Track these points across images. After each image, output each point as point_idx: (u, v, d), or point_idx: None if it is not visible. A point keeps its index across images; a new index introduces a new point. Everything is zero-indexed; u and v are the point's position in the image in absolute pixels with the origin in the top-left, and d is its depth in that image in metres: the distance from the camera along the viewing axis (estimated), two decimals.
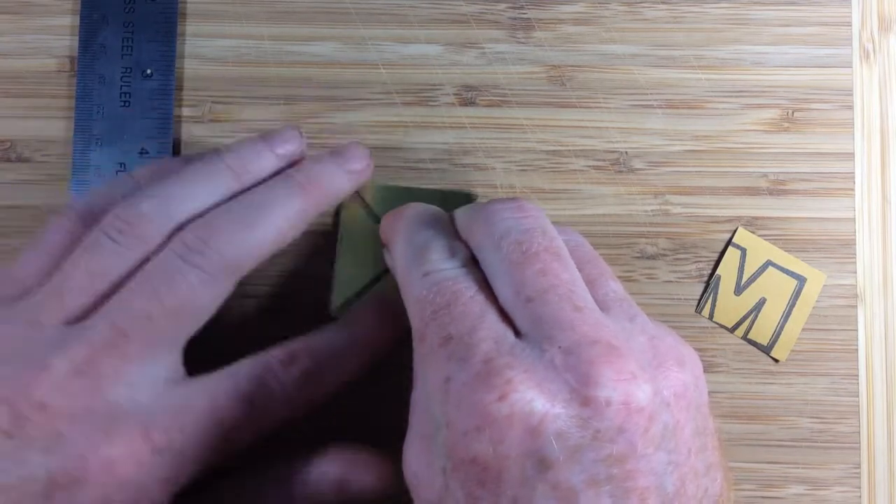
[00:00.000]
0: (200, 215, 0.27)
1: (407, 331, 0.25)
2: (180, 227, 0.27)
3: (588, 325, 0.22)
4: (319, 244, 0.33)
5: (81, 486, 0.23)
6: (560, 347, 0.21)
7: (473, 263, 0.25)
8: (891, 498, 0.33)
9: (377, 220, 0.32)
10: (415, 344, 0.24)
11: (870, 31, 0.35)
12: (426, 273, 0.24)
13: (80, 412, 0.24)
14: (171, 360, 0.26)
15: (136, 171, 0.30)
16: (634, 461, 0.21)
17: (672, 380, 0.22)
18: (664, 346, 0.23)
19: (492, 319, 0.23)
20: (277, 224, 0.27)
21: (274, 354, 0.27)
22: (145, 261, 0.26)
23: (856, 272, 0.34)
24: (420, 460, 0.23)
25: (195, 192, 0.28)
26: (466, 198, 0.33)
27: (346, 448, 0.28)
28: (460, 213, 0.27)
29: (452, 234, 0.26)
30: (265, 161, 0.29)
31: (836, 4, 0.34)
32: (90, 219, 0.27)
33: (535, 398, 0.21)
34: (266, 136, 0.30)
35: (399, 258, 0.26)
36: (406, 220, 0.27)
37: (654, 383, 0.22)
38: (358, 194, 0.32)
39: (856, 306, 0.34)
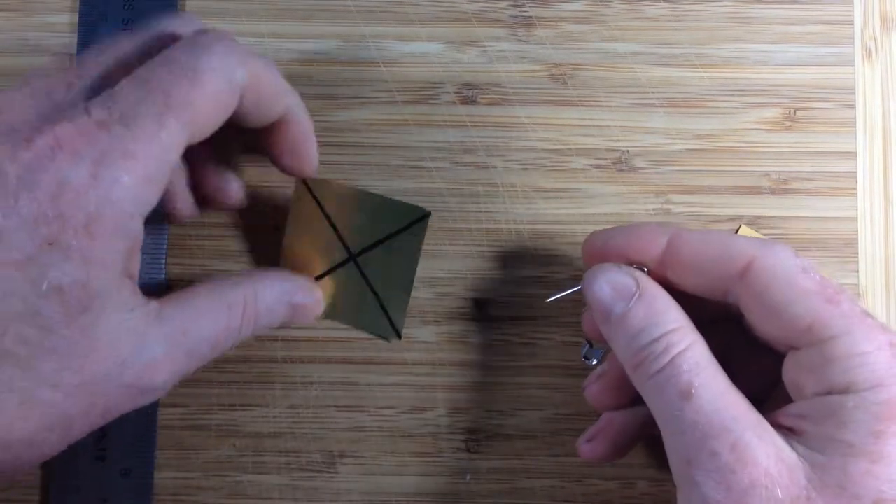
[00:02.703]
0: None
1: None
2: None
3: None
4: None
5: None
6: None
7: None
8: None
9: (326, 215, 0.32)
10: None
11: (872, 29, 0.34)
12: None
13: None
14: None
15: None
16: None
17: None
18: None
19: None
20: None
21: None
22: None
23: (858, 271, 0.33)
24: None
25: None
26: (415, 212, 0.32)
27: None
28: None
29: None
30: None
31: (838, 3, 0.34)
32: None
33: None
34: None
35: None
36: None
37: None
38: (308, 188, 0.32)
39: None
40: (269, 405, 0.33)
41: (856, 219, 0.34)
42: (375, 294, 0.32)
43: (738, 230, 0.33)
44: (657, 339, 0.25)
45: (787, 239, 0.33)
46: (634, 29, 0.34)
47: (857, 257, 0.33)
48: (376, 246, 0.32)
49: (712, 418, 0.23)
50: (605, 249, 0.28)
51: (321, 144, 0.33)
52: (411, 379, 0.33)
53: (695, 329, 0.26)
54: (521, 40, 0.34)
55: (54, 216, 0.22)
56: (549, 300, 0.30)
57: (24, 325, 0.22)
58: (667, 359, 0.25)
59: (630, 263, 0.27)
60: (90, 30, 0.34)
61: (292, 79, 0.33)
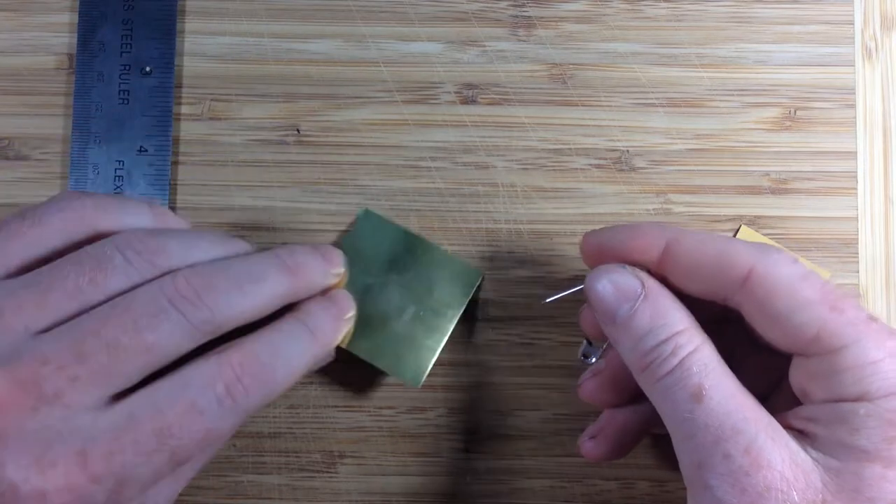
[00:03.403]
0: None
1: None
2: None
3: None
4: None
5: None
6: None
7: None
8: None
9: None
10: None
11: (872, 29, 0.34)
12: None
13: (12, 433, 0.22)
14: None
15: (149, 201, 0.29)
16: None
17: None
18: None
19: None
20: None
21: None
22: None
23: (858, 271, 0.33)
24: None
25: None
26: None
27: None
28: None
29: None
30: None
31: (838, 3, 0.34)
32: (91, 224, 0.26)
33: None
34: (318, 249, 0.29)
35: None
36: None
37: None
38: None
39: None
40: (270, 405, 0.33)
41: (856, 219, 0.34)
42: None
43: (738, 230, 0.33)
44: (665, 341, 0.25)
45: (787, 239, 0.33)
46: (634, 29, 0.34)
47: (857, 257, 0.33)
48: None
49: (724, 421, 0.23)
50: (602, 249, 0.28)
51: (321, 144, 0.34)
52: None
53: (701, 330, 0.25)
54: (521, 40, 0.34)
55: None
56: (547, 300, 0.30)
57: None
58: (675, 361, 0.24)
59: (630, 264, 0.27)
60: (90, 30, 0.34)
61: (292, 78, 0.34)
